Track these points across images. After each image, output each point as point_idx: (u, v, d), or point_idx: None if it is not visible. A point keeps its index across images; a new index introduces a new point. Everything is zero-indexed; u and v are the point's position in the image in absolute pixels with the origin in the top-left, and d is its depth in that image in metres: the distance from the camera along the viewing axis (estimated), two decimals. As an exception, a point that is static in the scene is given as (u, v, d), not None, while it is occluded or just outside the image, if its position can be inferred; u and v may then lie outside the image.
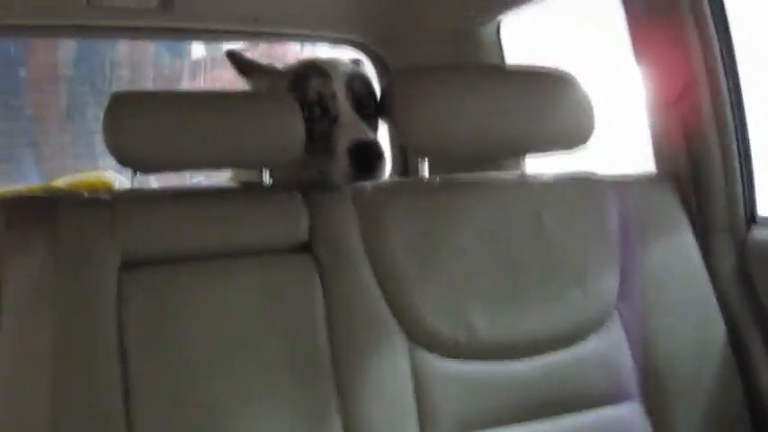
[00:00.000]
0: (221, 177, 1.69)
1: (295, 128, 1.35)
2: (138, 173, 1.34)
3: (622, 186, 1.54)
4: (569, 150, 1.53)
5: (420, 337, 1.33)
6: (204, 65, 2.88)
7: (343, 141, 1.43)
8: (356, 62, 1.72)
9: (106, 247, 1.23)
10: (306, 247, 1.35)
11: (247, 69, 1.63)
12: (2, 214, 1.22)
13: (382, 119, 1.54)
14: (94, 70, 2.82)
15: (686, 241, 1.54)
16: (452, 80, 1.45)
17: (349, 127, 1.45)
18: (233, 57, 1.64)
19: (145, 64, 2.89)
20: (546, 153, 1.56)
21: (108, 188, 1.96)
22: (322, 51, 2.28)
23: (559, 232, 1.45)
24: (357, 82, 1.53)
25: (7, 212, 1.23)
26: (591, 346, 1.41)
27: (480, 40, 2.09)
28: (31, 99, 2.86)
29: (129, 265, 1.24)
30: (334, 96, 1.49)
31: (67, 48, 2.86)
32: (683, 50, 1.53)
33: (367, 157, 1.41)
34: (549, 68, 1.53)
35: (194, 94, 1.42)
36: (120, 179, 2.05)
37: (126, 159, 1.29)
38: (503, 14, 2.00)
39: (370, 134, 1.46)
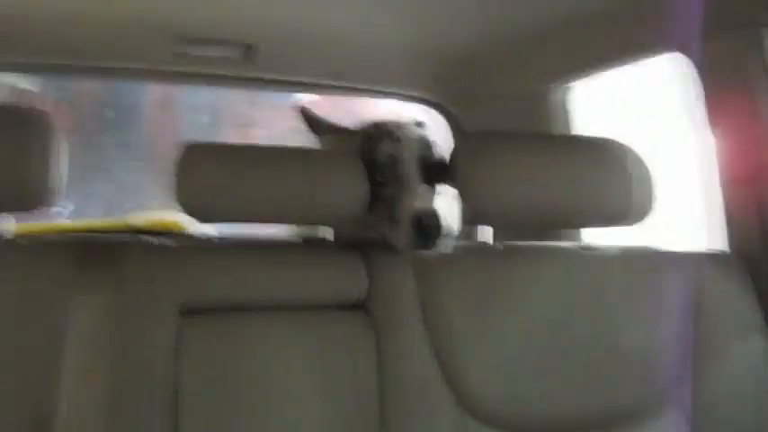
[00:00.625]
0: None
1: (359, 187, 1.36)
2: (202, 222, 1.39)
3: (689, 263, 1.51)
4: (626, 225, 1.51)
5: (469, 405, 1.32)
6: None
7: (407, 208, 1.42)
8: (420, 125, 1.72)
9: (168, 292, 1.25)
10: (362, 306, 1.35)
11: (317, 126, 1.65)
12: (76, 252, 1.26)
13: (450, 183, 1.51)
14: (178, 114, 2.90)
15: (756, 328, 1.50)
16: (517, 147, 1.45)
17: (415, 195, 1.45)
18: (304, 113, 1.67)
19: (223, 110, 2.97)
20: (605, 226, 1.55)
21: (181, 230, 2.01)
22: (391, 107, 2.30)
23: (619, 307, 1.43)
24: (426, 148, 1.53)
25: (80, 251, 1.27)
26: (645, 430, 1.38)
27: (551, 104, 2.09)
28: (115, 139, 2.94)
29: (188, 311, 1.25)
30: (403, 161, 1.49)
31: (154, 90, 2.95)
32: (760, 126, 1.52)
33: (430, 228, 1.40)
34: (609, 140, 1.52)
35: (262, 148, 1.44)
36: (193, 221, 2.10)
37: (191, 209, 1.31)
38: (574, 80, 2.00)
39: (435, 204, 1.45)
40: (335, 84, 2.16)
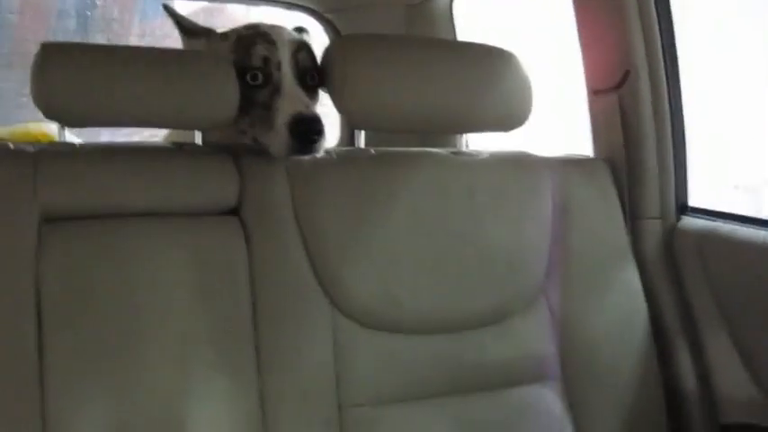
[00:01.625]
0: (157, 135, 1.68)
1: (229, 90, 1.34)
2: (65, 127, 1.34)
3: (557, 168, 1.55)
4: (506, 131, 1.55)
5: (344, 307, 1.34)
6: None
7: (283, 114, 1.40)
8: (301, 30, 1.70)
9: (27, 200, 1.22)
10: (234, 212, 1.35)
11: (187, 28, 1.59)
12: None
13: (323, 87, 1.51)
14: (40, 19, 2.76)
15: (616, 227, 1.56)
16: (393, 51, 1.45)
17: (291, 99, 1.42)
18: (169, 11, 1.60)
19: (93, 15, 2.83)
20: (483, 132, 1.58)
21: (49, 140, 1.92)
22: (269, 17, 2.27)
23: (491, 210, 1.46)
24: (303, 52, 1.50)
25: None
26: (515, 326, 1.44)
27: (432, 13, 2.11)
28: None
29: (49, 219, 1.22)
30: (278, 65, 1.45)
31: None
32: (626, 36, 1.55)
33: (307, 132, 1.38)
34: (492, 47, 1.53)
35: (127, 49, 1.42)
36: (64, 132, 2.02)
37: (52, 112, 1.27)
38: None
39: (312, 108, 1.44)
40: None
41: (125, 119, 1.34)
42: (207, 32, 1.57)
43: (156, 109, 1.31)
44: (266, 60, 1.45)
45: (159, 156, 1.38)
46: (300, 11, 2.27)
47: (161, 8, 1.61)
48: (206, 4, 2.34)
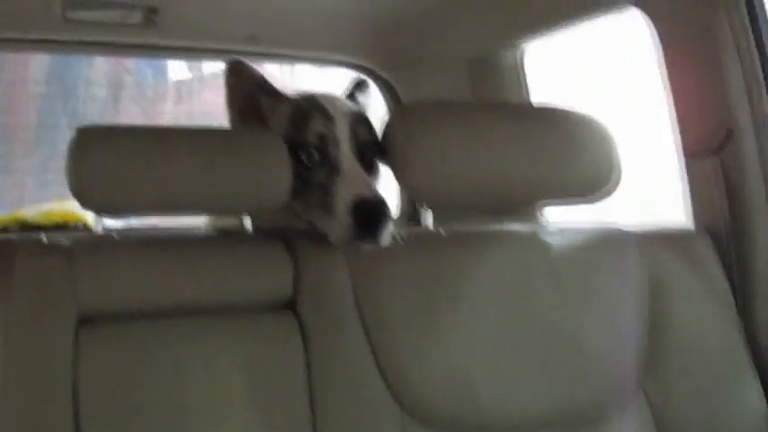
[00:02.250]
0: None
1: (282, 171, 1.37)
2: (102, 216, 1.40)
3: (652, 243, 1.55)
4: (591, 201, 1.55)
5: (415, 411, 1.34)
6: (190, 85, 2.91)
7: (343, 197, 1.42)
8: (360, 86, 1.74)
9: (63, 300, 1.24)
10: (289, 306, 1.37)
11: (259, 88, 1.60)
12: None
13: (382, 161, 1.53)
14: (68, 88, 2.85)
15: (723, 310, 1.55)
16: (459, 118, 1.47)
17: (351, 180, 1.44)
18: (239, 68, 1.60)
19: (124, 83, 2.93)
20: (565, 204, 1.59)
21: (78, 222, 1.98)
22: (308, 74, 2.33)
23: (579, 295, 1.47)
24: (362, 126, 1.52)
25: None
26: (611, 428, 1.43)
27: (500, 68, 2.13)
28: (-1, 119, 2.91)
29: (88, 320, 1.25)
30: (336, 142, 1.48)
31: (41, 63, 2.89)
32: (726, 90, 1.56)
33: (371, 218, 1.39)
34: (570, 110, 1.54)
35: (167, 130, 1.44)
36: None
37: (89, 202, 1.30)
38: (525, 41, 2.03)
39: (375, 189, 1.45)
40: (253, 50, 2.16)
41: (167, 207, 1.37)
42: (276, 95, 1.60)
43: (200, 195, 1.34)
44: (323, 138, 1.48)
45: (205, 246, 1.42)
46: (353, 69, 2.31)
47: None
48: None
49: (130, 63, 2.91)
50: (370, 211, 1.39)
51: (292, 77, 2.74)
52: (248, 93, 1.59)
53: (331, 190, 1.44)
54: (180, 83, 2.95)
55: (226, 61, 1.58)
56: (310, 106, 1.53)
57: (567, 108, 1.54)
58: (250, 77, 1.59)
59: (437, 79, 2.17)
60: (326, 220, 1.43)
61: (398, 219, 2.19)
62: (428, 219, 1.56)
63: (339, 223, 1.40)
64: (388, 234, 1.41)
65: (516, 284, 1.46)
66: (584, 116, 1.53)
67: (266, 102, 1.59)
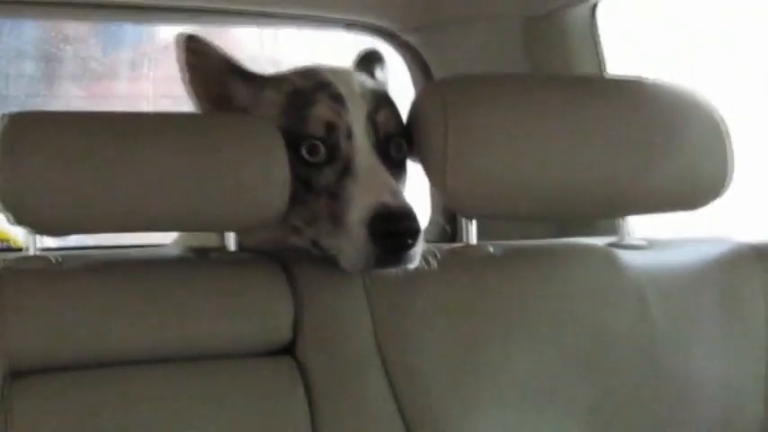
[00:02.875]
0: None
1: (277, 171, 1.37)
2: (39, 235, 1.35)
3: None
4: (692, 208, 1.55)
5: None
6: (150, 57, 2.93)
7: (359, 206, 1.40)
8: (372, 59, 1.74)
9: None
10: (287, 349, 1.37)
11: (227, 70, 1.59)
12: None
13: (411, 156, 1.54)
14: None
15: None
16: (513, 98, 1.47)
17: (370, 183, 1.43)
18: (191, 43, 1.58)
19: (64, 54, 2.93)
20: (658, 213, 1.58)
21: (5, 242, 2.03)
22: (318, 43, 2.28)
23: (675, 329, 1.51)
24: (384, 110, 1.52)
25: None
26: None
27: (565, 29, 2.10)
28: None
29: (18, 373, 1.25)
30: (349, 132, 1.48)
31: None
32: None
33: (397, 235, 1.39)
34: (669, 84, 1.53)
35: (127, 118, 1.42)
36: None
37: (21, 215, 1.29)
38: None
39: (401, 194, 1.44)
40: (252, 9, 2.19)
41: (127, 222, 1.36)
42: (252, 78, 1.59)
43: (171, 205, 1.34)
44: (331, 127, 1.48)
45: (176, 272, 1.40)
46: (367, 33, 2.30)
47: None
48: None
49: (70, 29, 2.90)
50: (394, 226, 1.38)
51: (275, 47, 2.73)
52: (214, 76, 1.58)
53: (342, 197, 1.43)
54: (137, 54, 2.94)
55: (175, 37, 1.57)
56: (313, 85, 1.52)
57: (661, 82, 1.53)
58: (212, 57, 1.58)
59: (481, 45, 2.14)
60: (336, 237, 1.42)
61: (431, 232, 2.15)
62: (471, 232, 1.55)
63: (353, 242, 1.39)
64: (418, 254, 1.40)
65: (586, 316, 1.49)
66: (686, 94, 1.53)
67: (241, 89, 1.58)
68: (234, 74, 1.58)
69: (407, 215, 1.39)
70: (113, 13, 2.22)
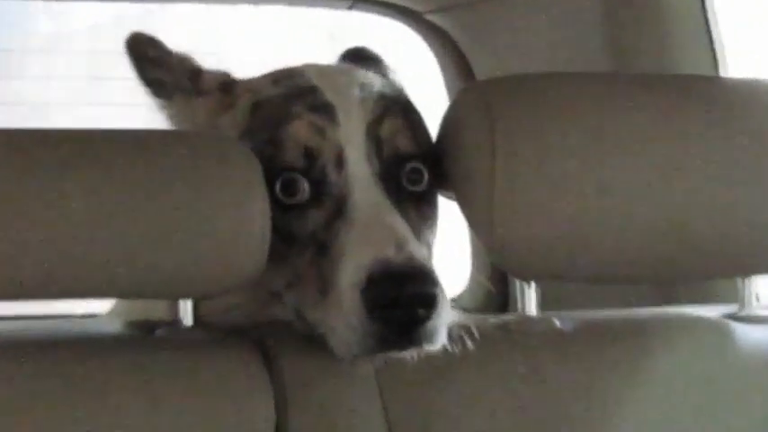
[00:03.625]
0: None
1: (255, 219, 1.37)
2: None
3: None
4: None
5: None
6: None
7: (352, 262, 1.38)
8: (363, 57, 1.75)
9: None
10: None
11: (156, 78, 1.61)
12: None
13: (441, 190, 1.54)
14: None
15: None
16: (590, 107, 1.48)
17: (367, 229, 1.41)
18: (138, 45, 1.61)
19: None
20: None
21: None
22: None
23: None
24: (391, 123, 1.51)
25: None
26: None
27: (660, 9, 2.08)
28: None
29: None
30: (338, 158, 1.47)
31: None
32: None
33: (403, 305, 1.35)
34: None
35: (33, 136, 1.40)
36: None
37: None
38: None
39: (410, 245, 1.40)
40: None
41: (38, 285, 1.33)
42: (192, 84, 1.60)
43: (100, 262, 1.32)
44: (313, 152, 1.48)
45: (107, 356, 1.39)
46: (380, 13, 2.33)
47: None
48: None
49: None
50: (396, 292, 1.35)
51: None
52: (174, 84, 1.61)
53: (332, 251, 1.43)
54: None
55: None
56: (287, 92, 1.52)
57: None
58: (154, 59, 1.61)
59: (542, 28, 2.12)
60: (324, 309, 1.41)
61: (474, 298, 2.17)
62: (529, 299, 1.55)
63: (344, 316, 1.37)
64: (439, 331, 1.38)
65: (700, 420, 1.50)
66: None
67: (189, 100, 1.60)
68: (187, 75, 1.61)
69: (417, 274, 1.36)
70: None
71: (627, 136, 1.46)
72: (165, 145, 1.44)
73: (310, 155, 1.46)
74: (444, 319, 1.37)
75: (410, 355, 1.38)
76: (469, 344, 1.41)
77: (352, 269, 1.37)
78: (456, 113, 1.50)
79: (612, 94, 1.53)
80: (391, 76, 1.73)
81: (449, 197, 1.51)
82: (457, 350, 1.39)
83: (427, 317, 1.35)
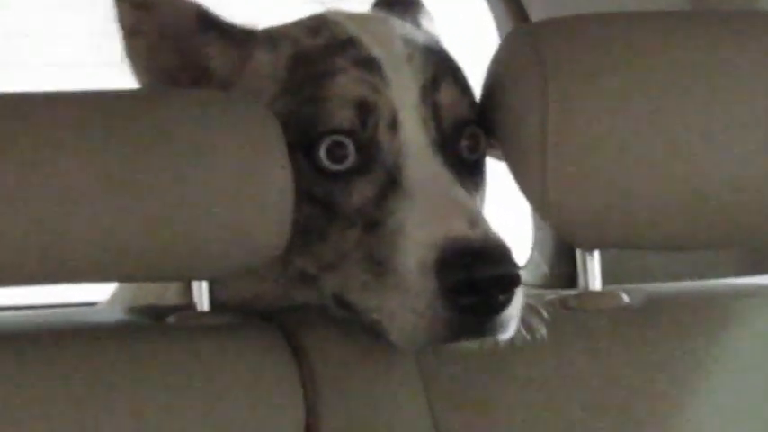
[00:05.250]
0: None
1: (274, 188, 1.25)
2: None
3: None
4: None
5: None
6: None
7: (418, 240, 1.25)
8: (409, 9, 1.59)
9: None
10: None
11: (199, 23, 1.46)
12: None
13: (491, 152, 1.42)
14: None
15: None
16: (657, 50, 1.35)
17: (432, 203, 1.29)
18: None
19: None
20: None
21: None
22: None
23: None
24: (449, 86, 1.38)
25: None
26: None
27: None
28: None
29: None
30: (393, 119, 1.33)
31: None
32: None
33: (484, 287, 1.21)
34: None
35: (26, 100, 1.28)
36: None
37: None
38: None
39: (483, 222, 1.28)
40: None
41: (36, 268, 1.21)
42: (235, 33, 1.47)
43: (103, 241, 1.20)
44: (364, 111, 1.33)
45: (115, 344, 1.29)
46: None
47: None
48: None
49: None
50: (480, 272, 1.20)
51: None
52: (176, 36, 1.45)
53: (387, 228, 1.29)
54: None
55: None
56: (327, 43, 1.39)
57: None
58: (173, 7, 1.46)
59: None
60: (380, 293, 1.28)
61: (531, 273, 2.11)
62: (593, 271, 1.42)
63: (411, 301, 1.24)
64: (514, 317, 1.27)
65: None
66: None
67: (219, 53, 1.45)
68: (207, 30, 1.44)
69: (498, 255, 1.23)
70: None
71: (697, 87, 1.34)
72: (171, 105, 1.32)
73: (361, 113, 1.33)
74: (518, 305, 1.27)
75: (479, 344, 1.28)
76: (541, 331, 1.31)
77: (420, 248, 1.24)
78: (503, 61, 1.38)
79: (682, 35, 1.41)
80: (427, 25, 1.60)
81: (497, 157, 1.38)
82: (527, 337, 1.31)
83: (507, 302, 1.23)
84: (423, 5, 1.66)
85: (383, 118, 1.33)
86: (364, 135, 1.32)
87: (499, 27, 2.22)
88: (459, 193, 1.30)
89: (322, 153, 1.31)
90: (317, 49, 1.38)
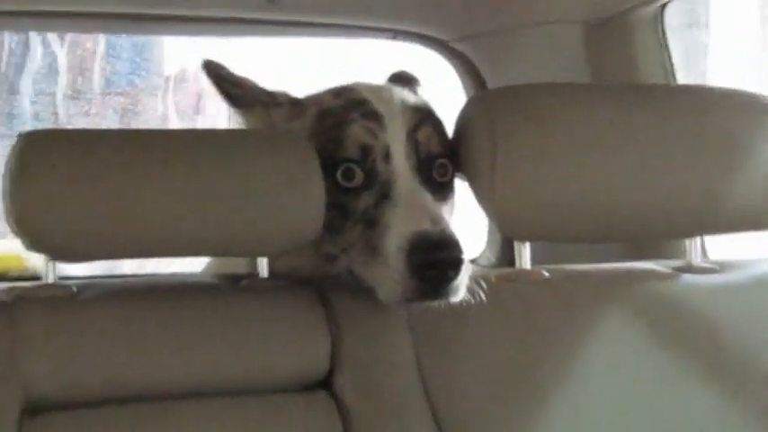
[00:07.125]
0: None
1: (311, 197, 1.39)
2: (55, 261, 1.38)
3: None
4: (763, 229, 1.55)
5: None
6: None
7: (397, 234, 1.41)
8: (406, 80, 1.76)
9: (1, 380, 1.26)
10: (323, 383, 1.39)
11: (237, 94, 1.63)
12: None
13: (458, 174, 1.55)
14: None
15: None
16: (574, 109, 1.48)
17: (409, 209, 1.44)
18: (212, 70, 1.63)
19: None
20: (730, 232, 1.57)
21: (22, 269, 2.04)
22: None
23: (747, 360, 1.50)
24: (425, 128, 1.54)
25: None
26: None
27: (628, 33, 2.09)
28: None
29: (36, 408, 1.27)
30: (386, 154, 1.49)
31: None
32: None
33: (437, 266, 1.39)
34: (742, 92, 1.53)
35: (150, 135, 1.44)
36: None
37: (37, 241, 1.31)
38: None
39: (444, 221, 1.44)
40: (278, 17, 2.24)
41: (150, 246, 1.37)
42: (271, 100, 1.61)
43: (197, 229, 1.36)
44: (367, 149, 1.50)
45: (201, 298, 1.43)
46: (414, 42, 2.32)
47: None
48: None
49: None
50: (433, 256, 1.38)
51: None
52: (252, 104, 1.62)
53: (380, 224, 1.45)
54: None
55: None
56: (344, 104, 1.55)
57: (734, 90, 1.54)
58: (226, 80, 1.62)
59: (538, 53, 2.16)
60: (373, 267, 1.45)
61: (491, 255, 2.19)
62: (525, 256, 1.57)
63: (391, 273, 1.41)
64: (462, 287, 1.42)
65: (652, 346, 1.49)
66: (762, 102, 1.52)
67: (267, 110, 1.61)
68: (253, 95, 1.62)
69: (448, 244, 1.40)
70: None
71: (602, 128, 1.46)
72: (243, 139, 1.48)
73: (364, 150, 1.49)
74: (464, 278, 1.40)
75: (437, 303, 1.41)
76: (480, 296, 1.43)
77: (398, 238, 1.40)
78: (466, 114, 1.51)
79: (591, 98, 1.55)
80: (420, 91, 1.73)
81: (463, 179, 1.52)
82: (472, 300, 1.41)
83: (455, 276, 1.38)
84: (418, 80, 1.78)
85: (379, 153, 1.49)
86: (367, 163, 1.49)
87: (465, 89, 2.29)
88: (429, 202, 1.45)
89: (339, 175, 1.48)
90: (336, 108, 1.54)
